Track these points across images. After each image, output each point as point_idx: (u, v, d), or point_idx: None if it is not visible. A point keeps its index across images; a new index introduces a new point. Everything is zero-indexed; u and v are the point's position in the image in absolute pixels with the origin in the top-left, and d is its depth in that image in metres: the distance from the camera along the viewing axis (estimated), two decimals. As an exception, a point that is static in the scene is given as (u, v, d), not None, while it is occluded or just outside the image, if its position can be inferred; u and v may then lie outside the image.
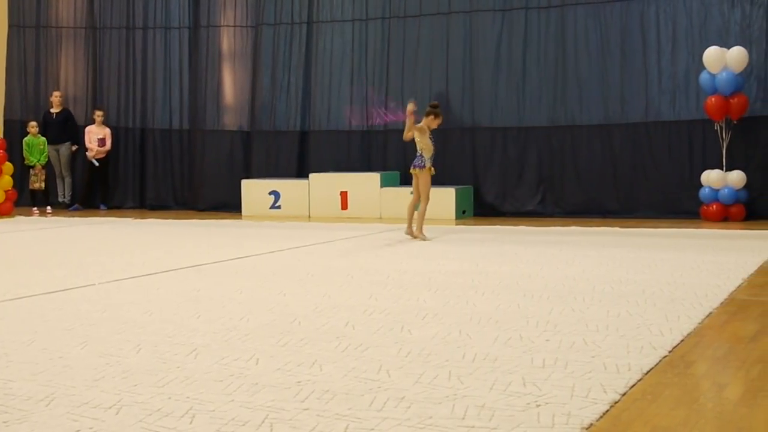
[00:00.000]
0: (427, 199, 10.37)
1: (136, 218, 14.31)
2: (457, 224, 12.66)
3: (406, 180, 14.44)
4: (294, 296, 6.37)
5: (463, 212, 13.73)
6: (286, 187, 14.74)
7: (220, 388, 3.93)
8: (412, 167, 10.37)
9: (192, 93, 16.14)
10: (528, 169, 13.90)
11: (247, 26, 15.89)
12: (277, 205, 14.70)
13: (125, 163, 16.55)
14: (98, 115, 16.19)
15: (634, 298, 6.08)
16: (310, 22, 15.39)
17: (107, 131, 16.26)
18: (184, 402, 3.74)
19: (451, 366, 4.26)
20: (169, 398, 3.79)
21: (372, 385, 3.95)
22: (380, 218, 13.82)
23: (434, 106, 10.48)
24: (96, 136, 16.15)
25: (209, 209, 15.61)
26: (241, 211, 14.99)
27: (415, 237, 10.34)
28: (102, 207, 16.20)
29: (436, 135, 10.75)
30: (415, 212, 10.47)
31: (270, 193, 14.77)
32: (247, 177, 15.43)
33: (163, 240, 10.87)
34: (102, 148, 16.14)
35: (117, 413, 3.60)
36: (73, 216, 14.89)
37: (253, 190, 14.96)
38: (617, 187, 13.38)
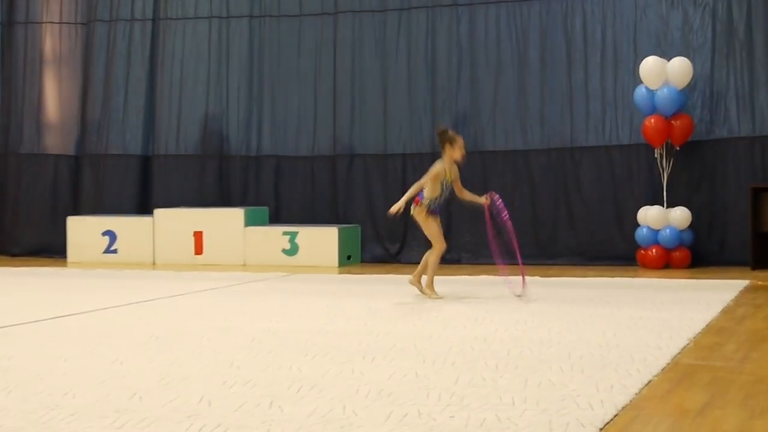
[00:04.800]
0: (437, 246, 10.01)
1: (-71, 266, 13.96)
2: (340, 272, 12.65)
3: (275, 217, 14.44)
4: (133, 365, 6.26)
5: (349, 258, 13.75)
6: (125, 225, 14.57)
7: (36, 484, 3.82)
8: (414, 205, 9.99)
9: (5, 107, 15.83)
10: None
11: (76, 23, 15.71)
12: (112, 248, 14.51)
13: None
14: None
15: (558, 364, 6.14)
16: (156, 19, 15.29)
17: None
18: (-12, 503, 3.62)
19: (332, 451, 4.24)
20: (-31, 498, 3.67)
21: (232, 477, 3.90)
22: (244, 265, 13.74)
23: (443, 132, 10.10)
24: None
25: (25, 254, 15.34)
26: (66, 257, 14.76)
27: (422, 292, 9.93)
28: None
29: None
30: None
31: (104, 234, 14.57)
32: (75, 213, 15.19)
33: (-36, 294, 10.60)
34: None
35: None
36: None
37: (82, 230, 14.73)
38: (536, 226, 13.54)
